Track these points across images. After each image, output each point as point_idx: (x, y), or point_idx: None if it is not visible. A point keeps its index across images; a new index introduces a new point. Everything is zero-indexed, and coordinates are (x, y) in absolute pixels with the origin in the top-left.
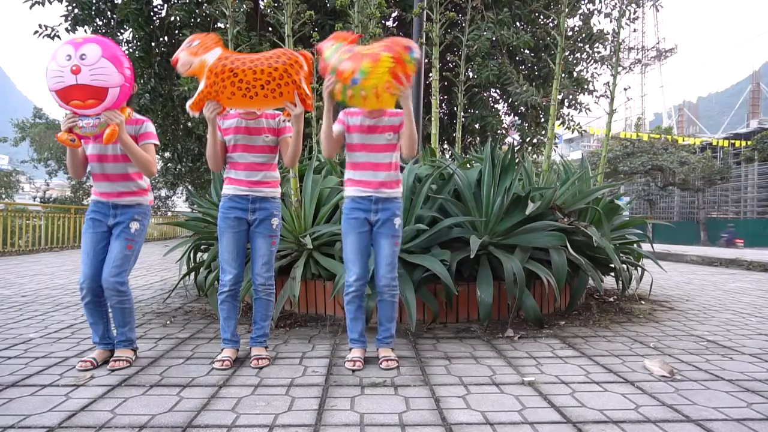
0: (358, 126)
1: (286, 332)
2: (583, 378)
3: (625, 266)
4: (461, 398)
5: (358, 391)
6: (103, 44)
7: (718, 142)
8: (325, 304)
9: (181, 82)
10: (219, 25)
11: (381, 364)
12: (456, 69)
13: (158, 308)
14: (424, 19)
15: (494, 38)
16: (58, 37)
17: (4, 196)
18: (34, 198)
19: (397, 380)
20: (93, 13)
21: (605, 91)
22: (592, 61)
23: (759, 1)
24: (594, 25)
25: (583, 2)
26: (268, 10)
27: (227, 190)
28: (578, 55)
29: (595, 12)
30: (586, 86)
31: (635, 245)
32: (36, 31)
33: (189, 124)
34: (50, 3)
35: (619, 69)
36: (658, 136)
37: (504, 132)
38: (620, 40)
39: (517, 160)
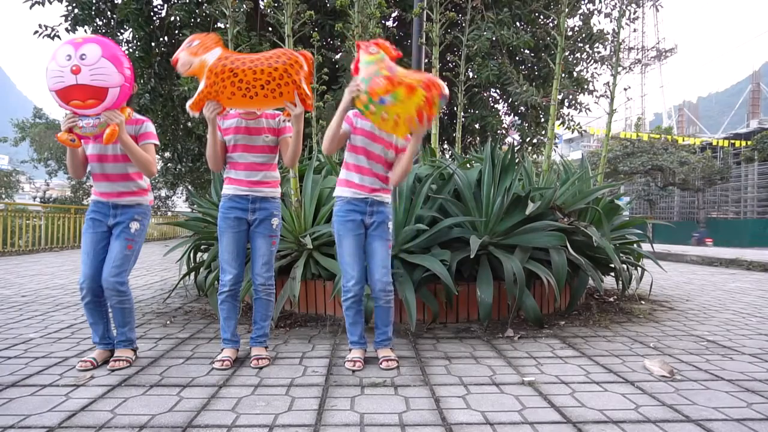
0: (368, 132)
1: (286, 332)
2: (583, 378)
3: (625, 266)
4: (461, 398)
5: (358, 391)
6: (103, 44)
7: (718, 142)
8: (325, 304)
9: (181, 82)
10: (219, 25)
11: (381, 364)
12: (456, 69)
13: (158, 308)
14: (424, 19)
15: (494, 38)
16: (58, 37)
17: (4, 196)
18: (34, 198)
19: (397, 380)
20: (93, 13)
21: (605, 91)
22: (592, 61)
23: (759, 1)
24: (594, 25)
25: (583, 2)
26: (268, 10)
27: (227, 190)
28: (578, 55)
29: (595, 12)
30: (586, 86)
31: (635, 245)
32: (36, 31)
33: (189, 124)
34: (50, 3)
35: (619, 69)
36: (658, 136)
37: (504, 132)
38: (620, 40)
39: (517, 160)
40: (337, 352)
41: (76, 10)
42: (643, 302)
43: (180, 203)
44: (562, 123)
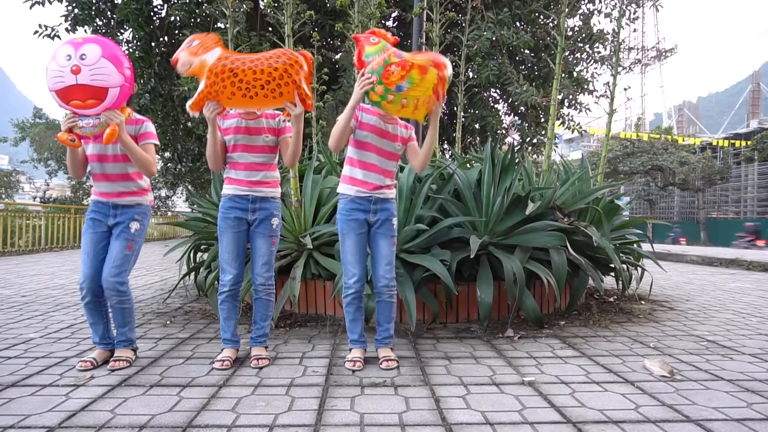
0: (373, 126)
1: (286, 332)
2: (583, 378)
3: (625, 266)
4: (461, 398)
5: (358, 391)
6: (103, 44)
7: (718, 142)
8: (325, 304)
9: (181, 82)
10: (219, 25)
11: (381, 364)
12: (456, 69)
13: (158, 308)
14: (424, 19)
15: (494, 38)
16: (58, 37)
17: (4, 196)
18: (34, 198)
19: (397, 380)
20: (93, 13)
21: (605, 91)
22: (592, 61)
23: (759, 1)
24: (594, 25)
25: (583, 2)
26: (268, 10)
27: (227, 190)
28: (578, 55)
29: (595, 12)
30: (586, 86)
31: (635, 245)
32: (36, 31)
33: (189, 124)
34: (50, 3)
35: (619, 69)
36: (658, 136)
37: (504, 132)
38: (620, 40)
39: (517, 160)
40: (337, 352)
41: (76, 10)
42: (643, 302)
43: (180, 203)
44: (562, 123)
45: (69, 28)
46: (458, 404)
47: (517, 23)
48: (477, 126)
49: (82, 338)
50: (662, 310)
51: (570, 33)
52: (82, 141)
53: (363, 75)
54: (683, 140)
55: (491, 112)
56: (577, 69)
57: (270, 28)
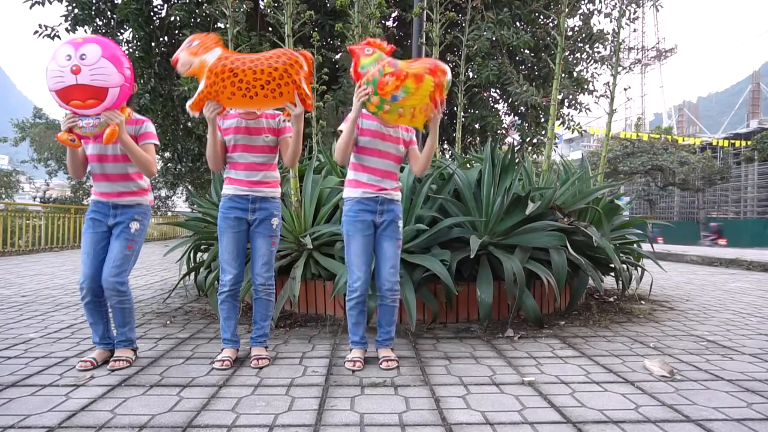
0: (374, 131)
1: (286, 332)
2: (583, 378)
3: (625, 266)
4: (461, 398)
5: (358, 391)
6: (103, 44)
7: (718, 142)
8: (325, 304)
9: (181, 82)
10: (219, 25)
11: (381, 364)
12: (456, 69)
13: (158, 308)
14: (424, 19)
15: (494, 38)
16: (58, 37)
17: (4, 196)
18: (34, 198)
19: (397, 380)
20: (93, 13)
21: (605, 91)
22: (592, 61)
23: (759, 1)
24: (594, 25)
25: (583, 2)
26: (268, 10)
27: (227, 190)
28: (578, 55)
29: (595, 12)
30: (586, 86)
31: (635, 245)
32: (36, 31)
33: (189, 124)
34: (50, 3)
35: (619, 69)
36: (658, 136)
37: (504, 132)
38: (620, 40)
39: (517, 160)
40: (337, 352)
41: (76, 10)
42: (643, 302)
43: (180, 203)
44: (562, 123)
45: (69, 28)
46: (458, 404)
47: (517, 23)
48: (477, 126)
49: (82, 338)
50: (662, 310)
51: (570, 33)
52: (82, 141)
53: (360, 87)
54: (683, 140)
55: (491, 112)
56: (577, 69)
57: (270, 28)
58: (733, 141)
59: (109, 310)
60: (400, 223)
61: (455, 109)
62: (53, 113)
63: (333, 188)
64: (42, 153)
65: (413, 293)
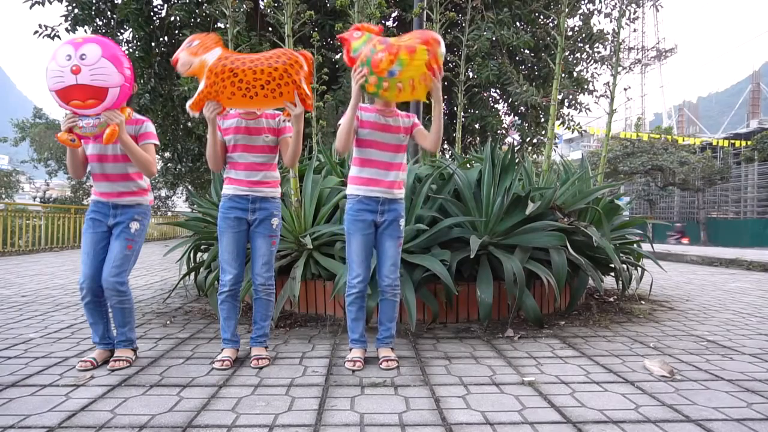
0: (373, 122)
1: (286, 332)
2: (583, 378)
3: (625, 266)
4: (461, 398)
5: (358, 391)
6: (103, 44)
7: (718, 142)
8: (325, 304)
9: (181, 82)
10: (219, 25)
11: (381, 364)
12: (456, 69)
13: (158, 308)
14: (424, 19)
15: (494, 38)
16: (58, 37)
17: (4, 196)
18: (34, 198)
19: (397, 380)
20: (93, 13)
21: (605, 91)
22: (592, 61)
23: (759, 1)
24: (594, 25)
25: (583, 2)
26: (268, 10)
27: (227, 190)
28: (578, 55)
29: (595, 12)
30: (586, 86)
31: (635, 245)
32: (36, 31)
33: (189, 124)
34: (50, 3)
35: (619, 69)
36: (658, 136)
37: (504, 132)
38: (620, 40)
39: (517, 160)
40: (337, 352)
41: (76, 10)
42: (643, 302)
43: (180, 203)
44: (562, 123)
45: (69, 28)
46: (458, 404)
47: (517, 23)
48: (477, 126)
49: (82, 338)
50: (662, 310)
51: (570, 33)
52: (82, 141)
53: (355, 70)
54: (683, 140)
55: (491, 112)
56: (577, 69)
57: (270, 28)
58: (733, 141)
59: (109, 310)
60: (402, 222)
61: (455, 109)
62: (53, 113)
63: (333, 188)
64: (42, 153)
65: (413, 293)
